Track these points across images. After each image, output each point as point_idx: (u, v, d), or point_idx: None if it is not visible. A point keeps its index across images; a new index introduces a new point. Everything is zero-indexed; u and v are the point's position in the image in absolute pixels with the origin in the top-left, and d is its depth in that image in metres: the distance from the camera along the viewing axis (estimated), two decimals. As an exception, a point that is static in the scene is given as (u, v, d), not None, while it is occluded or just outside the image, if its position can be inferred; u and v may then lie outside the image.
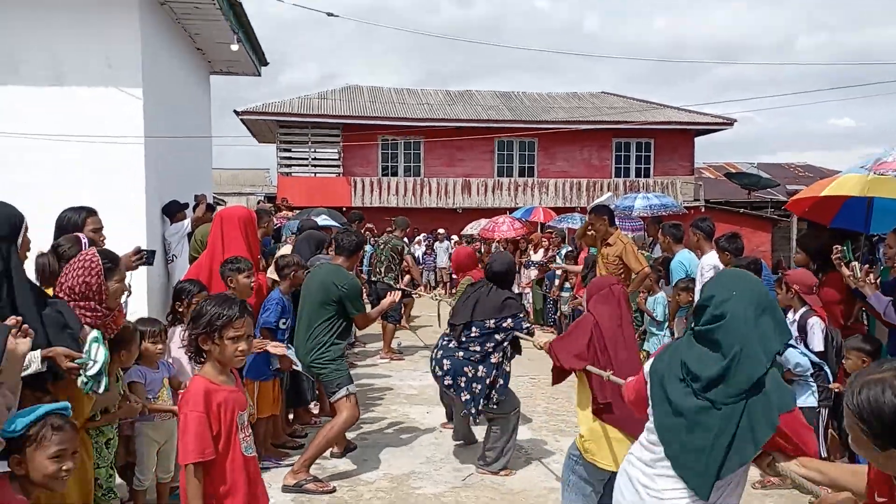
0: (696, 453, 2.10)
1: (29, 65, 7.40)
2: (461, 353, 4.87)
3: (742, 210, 24.28)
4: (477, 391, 4.80)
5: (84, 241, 3.55)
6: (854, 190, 4.89)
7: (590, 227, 7.00)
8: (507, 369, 4.95)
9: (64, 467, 2.28)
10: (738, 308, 2.14)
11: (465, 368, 4.84)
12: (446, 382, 4.93)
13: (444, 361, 4.92)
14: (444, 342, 5.03)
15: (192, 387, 2.57)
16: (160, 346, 3.96)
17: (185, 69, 9.83)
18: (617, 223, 7.21)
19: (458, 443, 5.55)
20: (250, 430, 2.73)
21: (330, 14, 10.50)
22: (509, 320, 4.82)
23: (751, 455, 2.09)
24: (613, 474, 3.32)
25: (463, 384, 4.83)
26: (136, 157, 7.68)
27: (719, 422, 2.08)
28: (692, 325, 2.30)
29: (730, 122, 24.34)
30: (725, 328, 2.14)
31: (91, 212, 4.10)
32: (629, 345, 3.51)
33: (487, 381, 4.80)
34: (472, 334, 4.85)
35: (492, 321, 4.81)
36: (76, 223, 3.97)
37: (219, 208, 7.27)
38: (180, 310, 4.28)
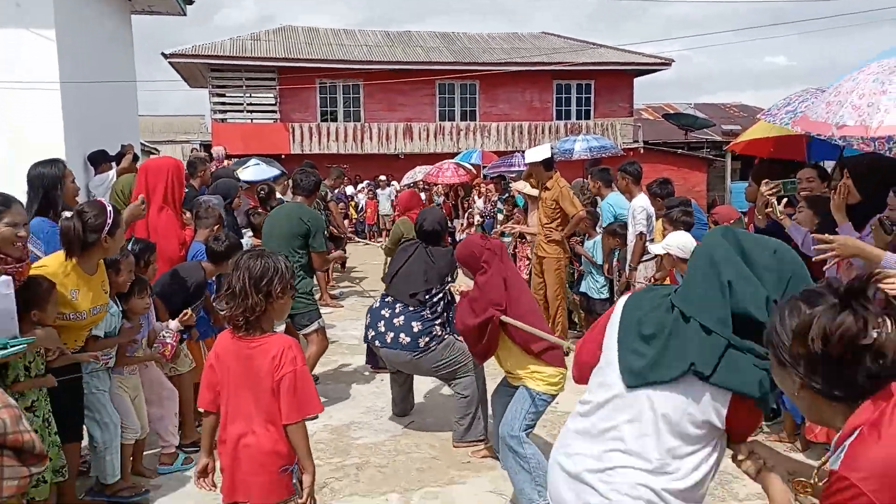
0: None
1: (-74, 4, 6.85)
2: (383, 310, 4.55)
3: (679, 151, 24.68)
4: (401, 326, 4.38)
5: (109, 209, 3.40)
6: (772, 131, 5.38)
7: (530, 177, 7.12)
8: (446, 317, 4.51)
9: None
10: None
11: (382, 312, 4.50)
12: (370, 335, 4.54)
13: (367, 317, 4.63)
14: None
15: (294, 343, 2.52)
16: (146, 301, 3.98)
17: (102, 8, 9.25)
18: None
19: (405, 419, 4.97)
20: None
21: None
22: (436, 289, 4.45)
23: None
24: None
25: (382, 327, 4.44)
26: (53, 103, 7.27)
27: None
28: None
29: (668, 63, 24.49)
30: None
31: (63, 163, 4.00)
32: (523, 286, 3.87)
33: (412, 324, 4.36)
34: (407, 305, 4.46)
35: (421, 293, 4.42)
36: (56, 177, 3.87)
37: (147, 158, 6.97)
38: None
